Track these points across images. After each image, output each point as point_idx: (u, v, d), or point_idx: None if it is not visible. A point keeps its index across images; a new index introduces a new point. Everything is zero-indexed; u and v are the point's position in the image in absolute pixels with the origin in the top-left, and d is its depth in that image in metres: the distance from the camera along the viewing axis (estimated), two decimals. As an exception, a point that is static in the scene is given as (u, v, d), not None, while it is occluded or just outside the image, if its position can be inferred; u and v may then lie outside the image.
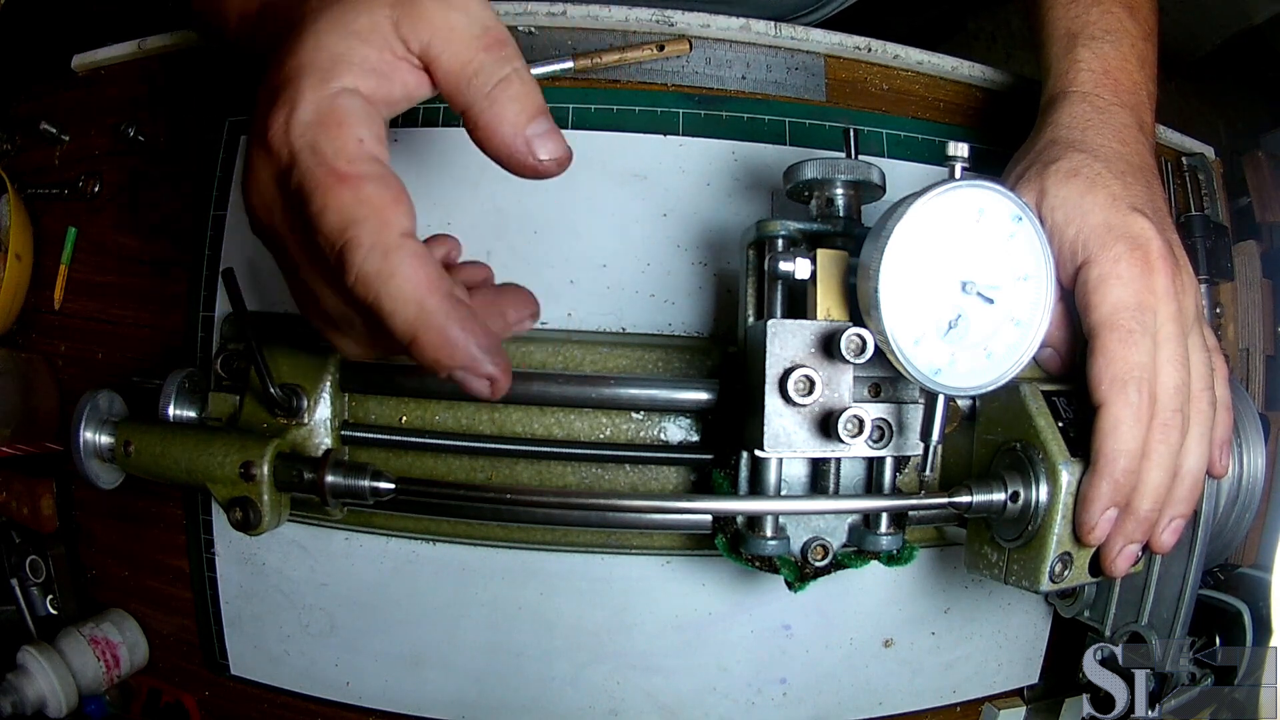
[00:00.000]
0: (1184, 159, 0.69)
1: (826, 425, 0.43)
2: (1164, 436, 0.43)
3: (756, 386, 0.44)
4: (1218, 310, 0.67)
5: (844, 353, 0.42)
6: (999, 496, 0.45)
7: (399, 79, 0.35)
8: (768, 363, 0.43)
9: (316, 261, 0.34)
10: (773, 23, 0.60)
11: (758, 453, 0.44)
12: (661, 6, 0.60)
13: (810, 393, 0.43)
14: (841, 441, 0.43)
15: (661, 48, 0.58)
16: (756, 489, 0.47)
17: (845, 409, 0.43)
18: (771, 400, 0.43)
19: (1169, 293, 0.43)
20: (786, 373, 0.43)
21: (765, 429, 0.43)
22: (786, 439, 0.44)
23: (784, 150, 0.59)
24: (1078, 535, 0.43)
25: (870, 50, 0.62)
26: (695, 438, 0.53)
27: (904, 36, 0.63)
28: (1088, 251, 0.44)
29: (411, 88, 0.36)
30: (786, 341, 0.43)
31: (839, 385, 0.44)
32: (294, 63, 0.34)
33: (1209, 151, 0.71)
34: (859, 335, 0.42)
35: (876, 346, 0.41)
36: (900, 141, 0.61)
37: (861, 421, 0.42)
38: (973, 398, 0.49)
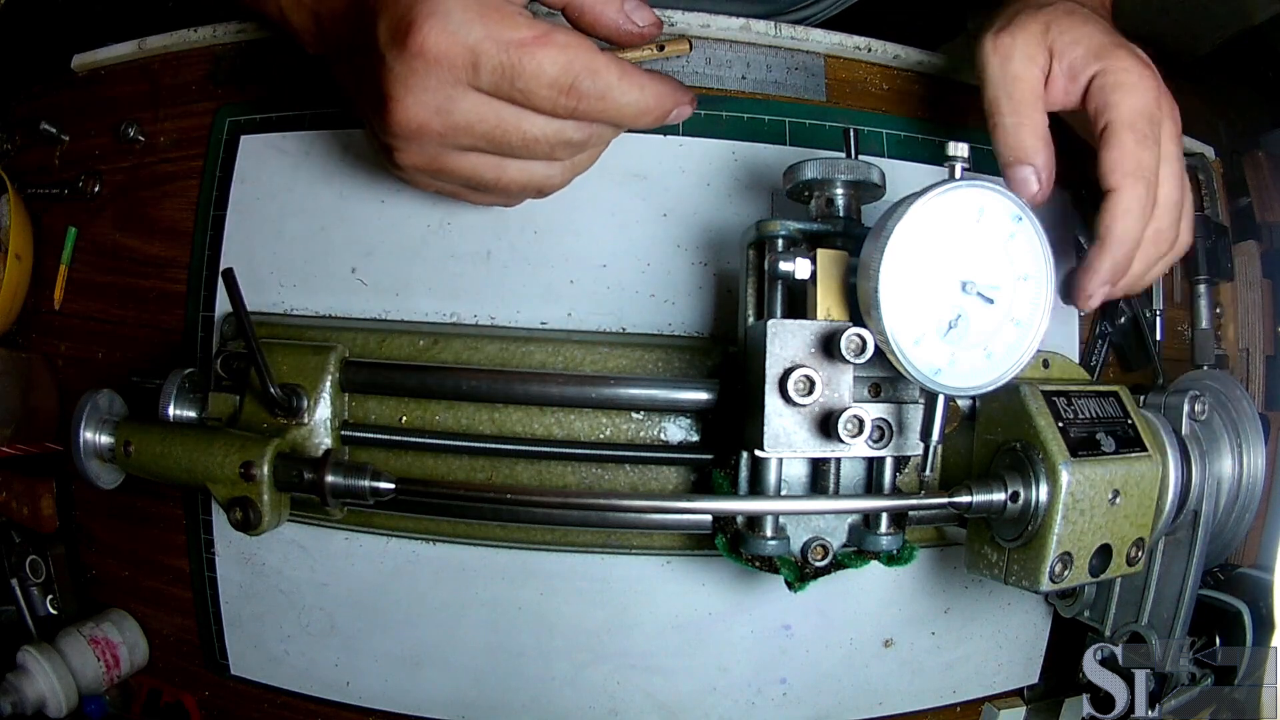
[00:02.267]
0: (1184, 159, 0.69)
1: (826, 425, 0.43)
2: (1156, 241, 0.49)
3: (756, 386, 0.44)
4: (1217, 310, 0.67)
5: (844, 353, 0.42)
6: (999, 496, 0.45)
7: None
8: (768, 363, 0.43)
9: (529, 108, 0.43)
10: (773, 23, 0.60)
11: (758, 453, 0.44)
12: (661, 7, 0.60)
13: (810, 393, 0.43)
14: (841, 441, 0.43)
15: (661, 48, 0.58)
16: (756, 489, 0.47)
17: (845, 409, 0.43)
18: (771, 400, 0.43)
19: (1172, 114, 0.50)
20: (786, 373, 0.43)
21: (765, 429, 0.43)
22: (787, 439, 0.44)
23: (784, 150, 0.59)
24: (1072, 298, 0.49)
25: (870, 50, 0.62)
26: (695, 438, 0.53)
27: (904, 37, 0.63)
28: (1101, 61, 0.48)
29: None
30: (786, 341, 0.43)
31: (839, 385, 0.44)
32: None
33: (1209, 151, 0.71)
34: (859, 335, 0.42)
35: (876, 346, 0.42)
36: (900, 141, 0.61)
37: (861, 421, 0.42)
38: (973, 398, 0.49)
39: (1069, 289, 0.50)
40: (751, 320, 0.48)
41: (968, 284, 0.41)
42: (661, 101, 0.45)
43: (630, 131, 0.48)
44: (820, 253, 0.44)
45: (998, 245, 0.41)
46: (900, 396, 0.47)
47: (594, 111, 0.43)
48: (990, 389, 0.42)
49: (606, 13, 0.45)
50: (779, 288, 0.47)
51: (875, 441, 0.46)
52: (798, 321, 0.44)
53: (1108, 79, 0.48)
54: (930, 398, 0.43)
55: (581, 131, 0.45)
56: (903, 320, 0.40)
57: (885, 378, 0.47)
